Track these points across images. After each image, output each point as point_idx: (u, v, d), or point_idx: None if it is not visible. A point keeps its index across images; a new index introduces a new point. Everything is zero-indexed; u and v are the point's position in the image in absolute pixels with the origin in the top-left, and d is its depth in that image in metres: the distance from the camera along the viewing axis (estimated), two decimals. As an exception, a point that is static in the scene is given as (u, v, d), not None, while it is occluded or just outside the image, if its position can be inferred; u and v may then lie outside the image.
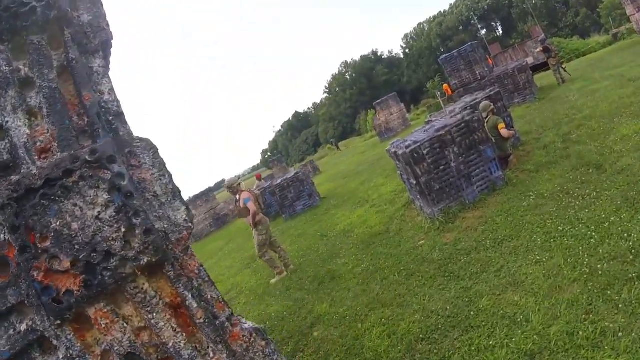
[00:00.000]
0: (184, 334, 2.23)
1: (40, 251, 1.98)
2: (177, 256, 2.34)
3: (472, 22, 66.11)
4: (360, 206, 10.73)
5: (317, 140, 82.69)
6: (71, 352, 2.02)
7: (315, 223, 11.36)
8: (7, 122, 2.03)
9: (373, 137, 37.29)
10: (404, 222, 7.73)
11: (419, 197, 7.27)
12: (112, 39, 2.53)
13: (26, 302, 1.98)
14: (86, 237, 2.03)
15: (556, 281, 3.99)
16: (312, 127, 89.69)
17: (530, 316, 3.68)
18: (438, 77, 55.96)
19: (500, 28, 69.22)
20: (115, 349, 2.10)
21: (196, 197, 24.67)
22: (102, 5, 2.49)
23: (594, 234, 4.48)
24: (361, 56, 78.71)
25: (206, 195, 24.95)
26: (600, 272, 3.79)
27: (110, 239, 2.07)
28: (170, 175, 2.47)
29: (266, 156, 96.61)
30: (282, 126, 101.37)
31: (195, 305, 2.27)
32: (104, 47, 2.47)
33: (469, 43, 16.86)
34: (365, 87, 74.25)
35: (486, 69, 15.86)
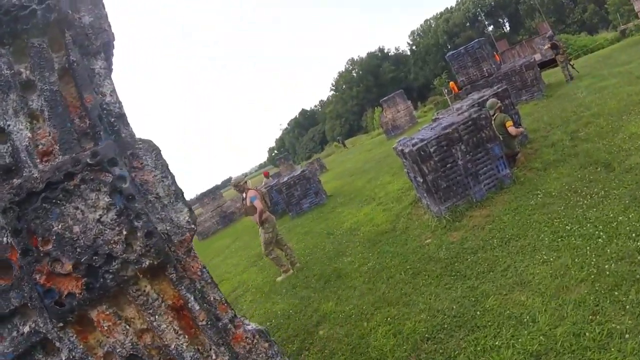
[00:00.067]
0: (186, 336, 2.22)
1: (42, 254, 1.98)
2: (179, 258, 2.34)
3: (479, 18, 65.52)
4: (367, 204, 10.71)
5: (323, 138, 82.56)
6: (74, 354, 2.02)
7: (321, 221, 11.36)
8: (9, 125, 2.03)
9: (380, 134, 37.17)
10: (411, 221, 7.70)
11: (425, 195, 7.23)
12: (114, 40, 2.53)
13: (29, 304, 1.99)
14: (88, 240, 2.04)
15: (563, 281, 3.95)
16: (318, 124, 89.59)
17: (537, 316, 3.65)
18: (445, 74, 55.43)
19: (507, 24, 68.53)
20: (118, 351, 2.10)
21: (203, 195, 24.77)
22: (103, 6, 2.48)
23: (601, 233, 4.43)
24: (368, 53, 78.18)
25: (213, 193, 24.99)
26: (607, 273, 3.75)
27: (111, 241, 2.07)
28: (172, 177, 2.46)
29: (273, 154, 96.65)
30: (288, 124, 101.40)
31: (197, 307, 2.26)
32: (106, 48, 2.46)
33: (476, 40, 16.70)
34: (371, 84, 73.74)
35: (493, 66, 15.71)
